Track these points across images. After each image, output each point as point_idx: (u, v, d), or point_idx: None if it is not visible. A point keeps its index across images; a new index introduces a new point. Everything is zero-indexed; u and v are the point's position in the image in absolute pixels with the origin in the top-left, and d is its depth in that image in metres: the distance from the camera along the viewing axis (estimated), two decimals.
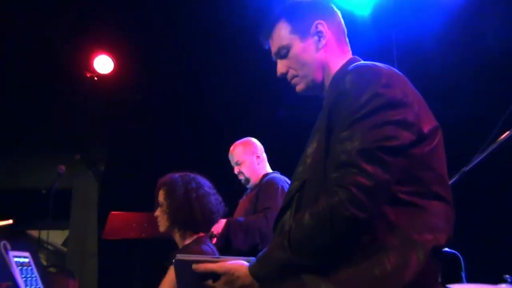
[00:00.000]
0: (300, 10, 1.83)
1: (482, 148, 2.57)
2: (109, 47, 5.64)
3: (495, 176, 3.66)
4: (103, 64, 5.64)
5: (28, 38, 5.23)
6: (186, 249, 2.69)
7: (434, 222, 1.48)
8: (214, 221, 2.82)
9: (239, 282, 1.58)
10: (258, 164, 3.64)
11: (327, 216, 1.42)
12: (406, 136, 1.48)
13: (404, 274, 1.40)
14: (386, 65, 1.63)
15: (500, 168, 3.42)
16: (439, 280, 1.54)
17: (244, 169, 3.62)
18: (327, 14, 1.84)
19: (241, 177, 3.66)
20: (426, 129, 1.54)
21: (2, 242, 2.42)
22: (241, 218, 3.38)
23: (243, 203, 3.64)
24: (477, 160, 2.57)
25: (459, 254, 3.07)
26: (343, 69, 1.73)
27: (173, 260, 1.69)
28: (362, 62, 1.71)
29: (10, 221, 2.63)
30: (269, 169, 3.71)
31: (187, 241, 2.75)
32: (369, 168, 1.42)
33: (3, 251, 2.40)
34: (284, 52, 1.81)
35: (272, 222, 3.21)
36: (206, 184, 2.80)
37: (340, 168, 1.45)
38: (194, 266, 1.64)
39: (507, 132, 2.50)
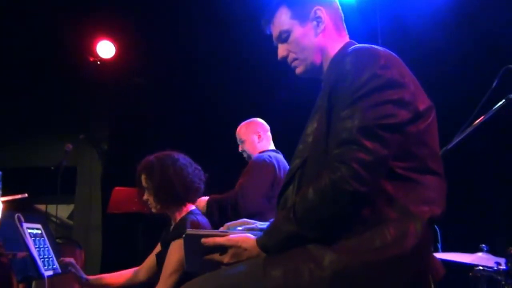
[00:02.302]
0: None
1: (461, 130, 2.61)
2: (111, 33, 5.59)
3: (472, 154, 3.65)
4: (106, 49, 5.60)
5: (35, 25, 5.16)
6: (182, 222, 2.60)
7: (429, 195, 1.47)
8: (198, 190, 2.70)
9: (246, 254, 1.54)
10: (259, 142, 3.52)
11: (330, 191, 1.39)
12: (403, 114, 1.46)
13: (403, 244, 1.38)
14: (383, 48, 1.59)
15: (477, 147, 3.42)
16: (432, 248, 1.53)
17: (246, 146, 3.53)
18: (325, 0, 1.78)
19: (245, 155, 3.58)
20: (421, 107, 1.52)
21: (16, 215, 2.37)
22: (218, 196, 3.27)
23: None
24: (457, 140, 2.61)
25: (435, 226, 3.08)
26: (341, 52, 1.69)
27: (183, 235, 1.63)
28: (360, 45, 1.67)
29: (25, 195, 2.57)
30: (270, 147, 3.57)
31: (182, 215, 2.67)
32: (369, 144, 1.39)
33: (17, 223, 2.35)
34: (284, 37, 1.77)
35: (247, 198, 3.20)
36: (181, 157, 2.70)
37: (342, 145, 1.42)
38: (203, 240, 1.59)
39: (482, 117, 2.55)
